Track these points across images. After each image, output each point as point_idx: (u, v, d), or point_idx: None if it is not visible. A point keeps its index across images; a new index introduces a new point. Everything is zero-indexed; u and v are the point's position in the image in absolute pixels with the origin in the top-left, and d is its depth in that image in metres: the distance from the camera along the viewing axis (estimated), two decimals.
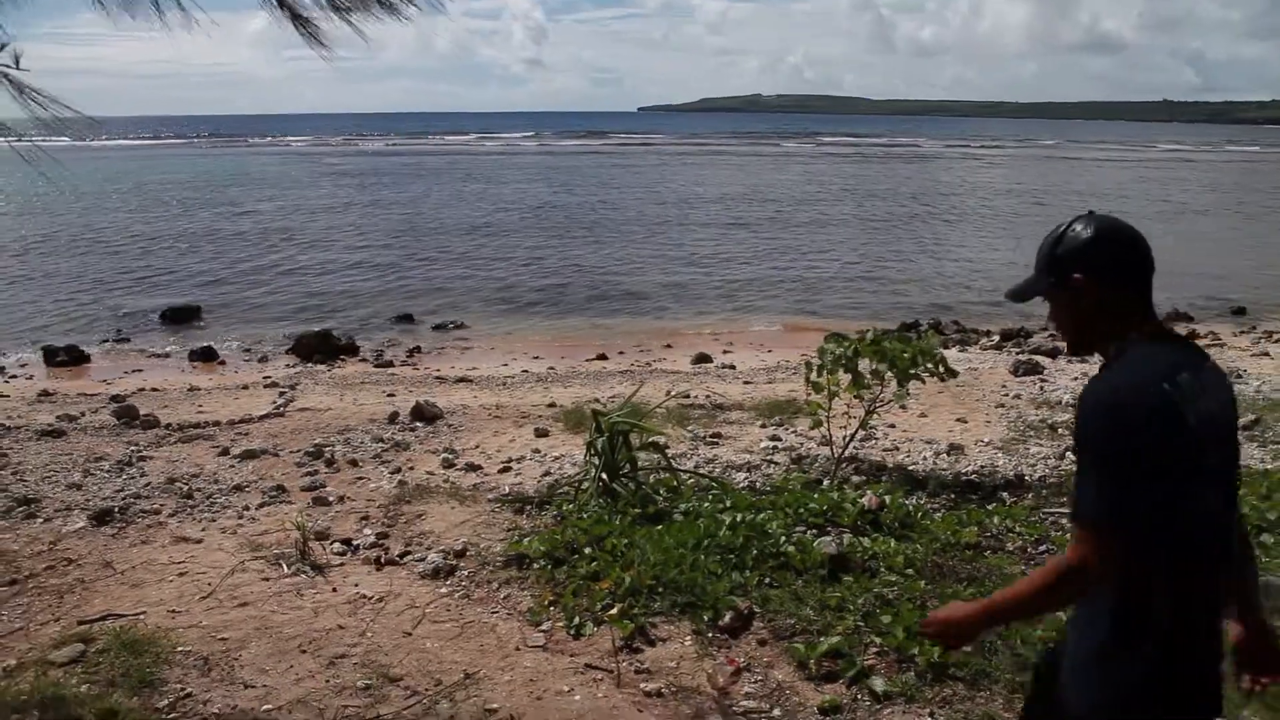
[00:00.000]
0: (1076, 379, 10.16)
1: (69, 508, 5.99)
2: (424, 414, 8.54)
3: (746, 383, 10.75)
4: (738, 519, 5.13)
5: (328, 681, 3.84)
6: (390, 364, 12.97)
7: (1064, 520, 5.60)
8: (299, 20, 3.89)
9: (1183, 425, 1.73)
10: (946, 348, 8.56)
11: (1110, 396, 1.80)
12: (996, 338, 14.22)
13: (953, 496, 6.21)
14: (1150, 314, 1.92)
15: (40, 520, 5.76)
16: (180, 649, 4.08)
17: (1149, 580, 1.78)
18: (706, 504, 5.54)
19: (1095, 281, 1.91)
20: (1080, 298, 1.94)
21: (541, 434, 8.01)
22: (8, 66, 3.36)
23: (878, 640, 4.01)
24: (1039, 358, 11.59)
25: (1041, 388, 9.72)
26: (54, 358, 13.13)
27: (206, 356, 13.44)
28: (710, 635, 4.18)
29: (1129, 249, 1.92)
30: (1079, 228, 1.96)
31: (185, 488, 6.44)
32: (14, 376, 12.28)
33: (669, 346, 14.08)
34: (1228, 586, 1.94)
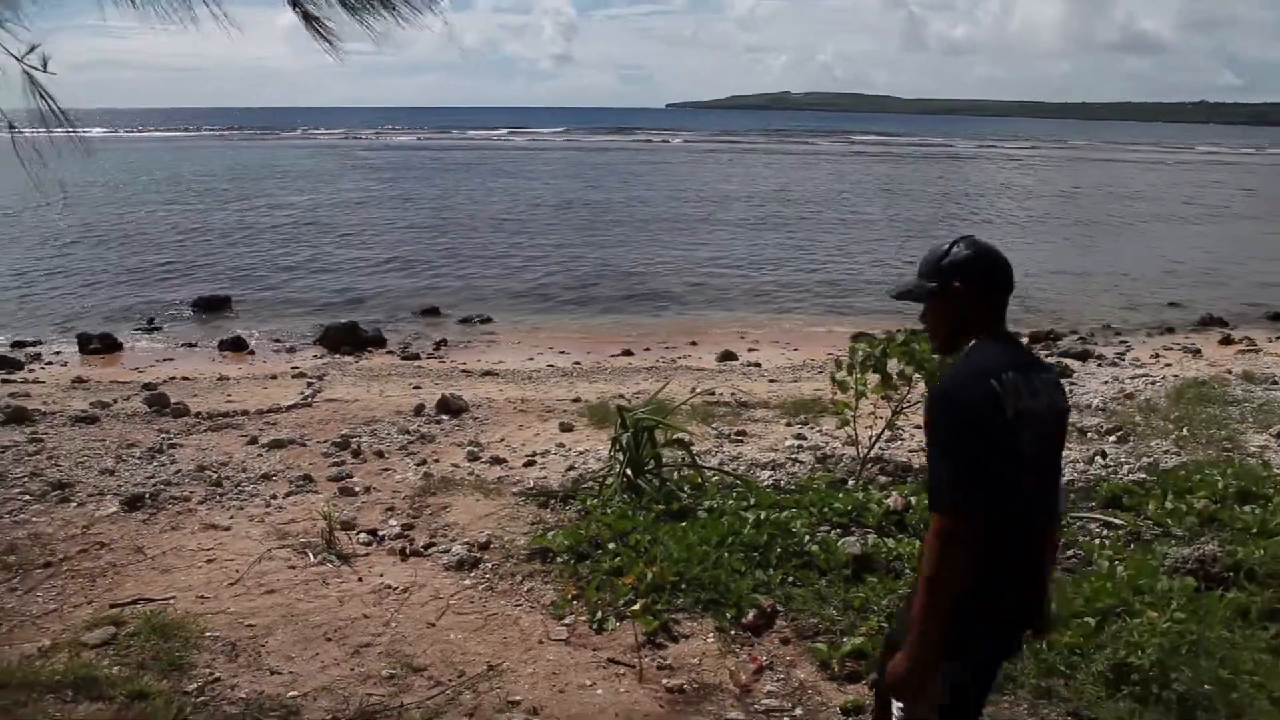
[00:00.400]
0: (1106, 383, 10.05)
1: (102, 493, 6.08)
2: (450, 407, 8.59)
3: (772, 381, 10.72)
4: (762, 517, 5.12)
5: (352, 670, 3.88)
6: (417, 356, 13.06)
7: (1093, 525, 5.55)
8: (310, 20, 3.91)
9: (1002, 416, 2.08)
10: None
11: (948, 389, 2.17)
12: (1025, 340, 14.06)
13: None
14: (1001, 323, 2.31)
15: (74, 505, 5.86)
16: (208, 634, 4.14)
17: (983, 547, 2.08)
18: (730, 501, 5.54)
19: (969, 290, 2.27)
20: (956, 303, 2.28)
21: (566, 429, 8.04)
22: (34, 68, 3.39)
23: None
24: (1069, 360, 11.47)
25: (1070, 391, 9.61)
26: (88, 345, 13.34)
27: (236, 346, 13.60)
28: (733, 633, 4.18)
29: (998, 268, 2.32)
30: (962, 246, 2.33)
31: (214, 475, 6.53)
32: (49, 363, 12.49)
33: (694, 343, 14.06)
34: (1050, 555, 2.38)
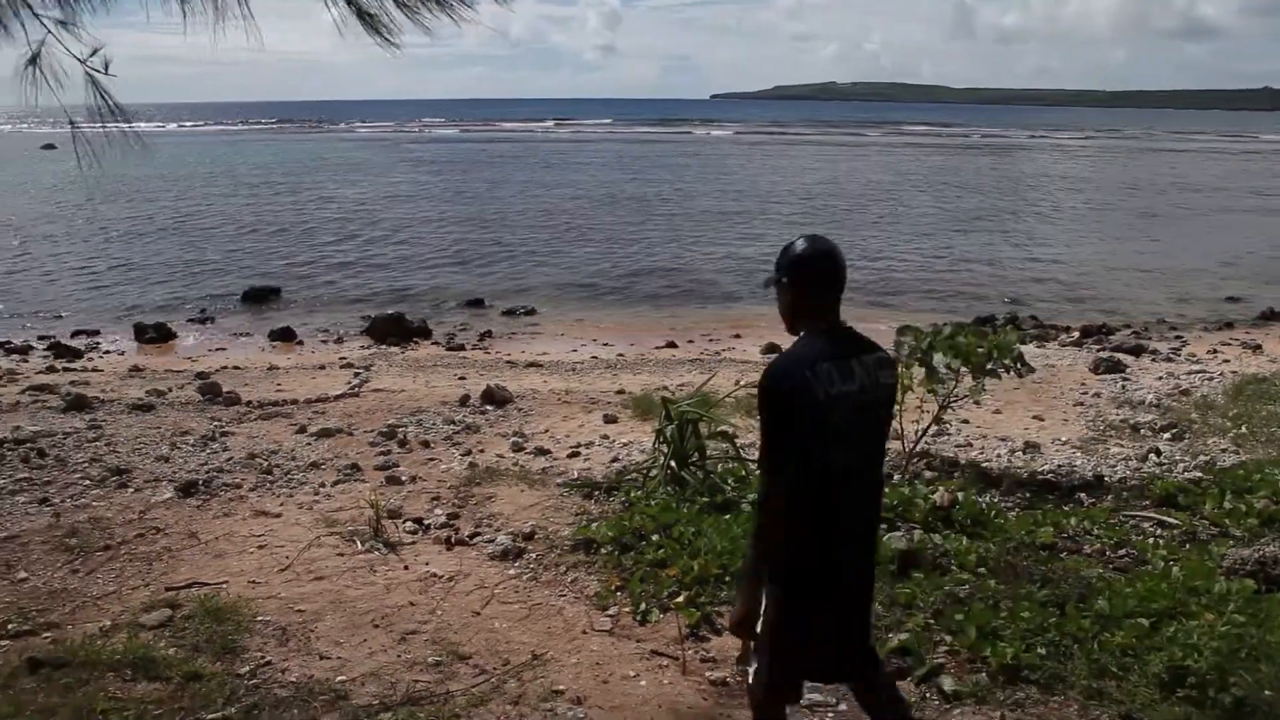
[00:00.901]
0: (1161, 379, 9.81)
1: (157, 479, 6.24)
2: (494, 397, 8.66)
3: None
4: None
5: (399, 656, 3.93)
6: (462, 347, 13.18)
7: (1146, 525, 5.43)
8: (365, 16, 3.96)
9: (813, 400, 2.41)
10: (1023, 343, 8.32)
11: (769, 374, 2.51)
12: (1076, 334, 13.78)
13: (1028, 496, 6.06)
14: (831, 314, 2.58)
15: (131, 490, 6.02)
16: (260, 618, 4.23)
17: (802, 511, 2.48)
18: None
19: (797, 285, 2.59)
20: (788, 295, 2.63)
21: (610, 420, 8.06)
22: (97, 70, 3.47)
23: (948, 639, 3.94)
24: (1121, 355, 11.20)
25: (1123, 387, 9.40)
26: (144, 335, 13.69)
27: (285, 336, 13.84)
28: None
29: (825, 264, 2.58)
30: (799, 244, 2.61)
31: (265, 463, 6.66)
32: (108, 352, 12.84)
33: (738, 336, 14.00)
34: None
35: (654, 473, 5.97)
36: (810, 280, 2.60)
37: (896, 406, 3.02)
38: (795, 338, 2.63)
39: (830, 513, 2.53)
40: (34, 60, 3.30)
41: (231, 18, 3.59)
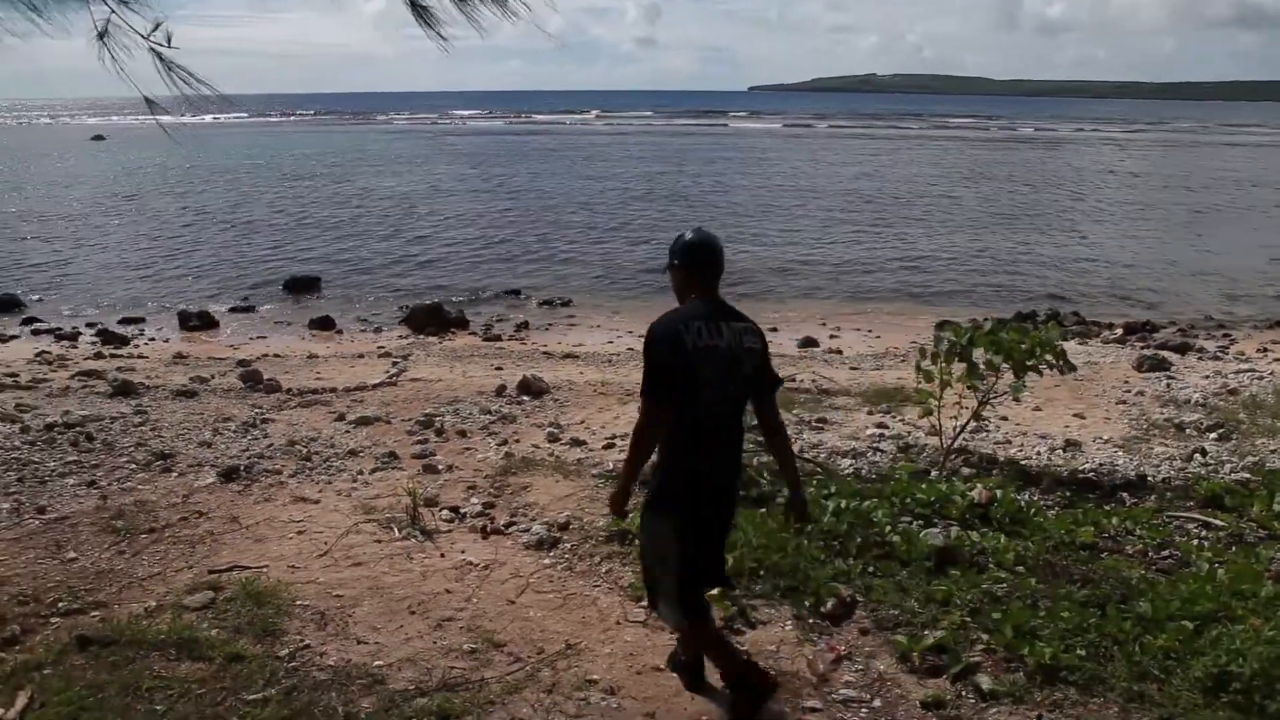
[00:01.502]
0: (1207, 377, 9.61)
1: (200, 464, 6.35)
2: (530, 388, 8.70)
3: (853, 368, 10.56)
4: (842, 505, 5.07)
5: (435, 643, 3.97)
6: (499, 338, 13.26)
7: (1191, 526, 5.34)
8: (419, 9, 3.98)
9: (682, 349, 3.08)
10: (1065, 340, 8.19)
11: (653, 326, 3.19)
12: (1119, 331, 13.54)
13: (1068, 494, 5.98)
14: (710, 290, 3.27)
15: (175, 475, 6.14)
16: (299, 603, 4.29)
17: (676, 441, 3.19)
18: (810, 489, 5.48)
19: (683, 268, 3.31)
20: (676, 275, 3.35)
21: None
22: (160, 45, 3.55)
23: (985, 637, 3.90)
24: (1166, 353, 10.98)
25: (1168, 385, 9.22)
26: (187, 322, 13.95)
27: (325, 325, 14.02)
28: (811, 621, 4.14)
29: (702, 252, 3.30)
30: (686, 235, 3.34)
31: (304, 450, 6.75)
32: (153, 339, 13.10)
33: (774, 329, 13.90)
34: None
35: None
36: (695, 264, 3.31)
37: (778, 371, 3.56)
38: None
39: (697, 437, 3.19)
40: (102, 36, 3.40)
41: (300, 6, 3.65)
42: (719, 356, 3.12)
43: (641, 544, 3.49)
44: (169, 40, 3.45)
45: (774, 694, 3.44)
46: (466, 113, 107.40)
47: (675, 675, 3.72)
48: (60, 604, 4.21)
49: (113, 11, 3.39)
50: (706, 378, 3.11)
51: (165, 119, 3.81)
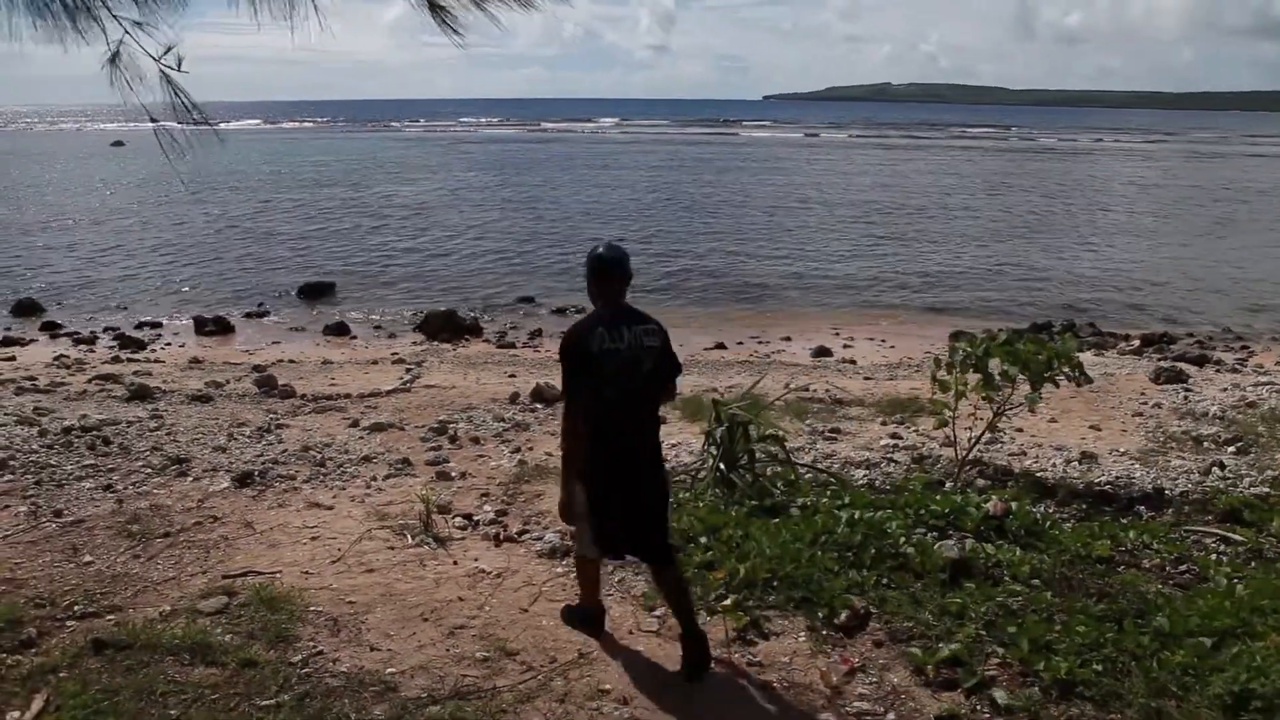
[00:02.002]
0: (1225, 390, 9.53)
1: (215, 469, 6.38)
2: (544, 396, 8.71)
3: (867, 378, 10.53)
4: (856, 516, 5.04)
5: (448, 650, 3.97)
6: (512, 345, 13.30)
7: (1209, 540, 5.29)
8: (436, 9, 4.00)
9: (589, 354, 3.53)
10: (1081, 351, 8.13)
11: (565, 334, 3.69)
12: (1136, 343, 13.46)
13: (1084, 507, 5.94)
14: (616, 297, 3.71)
15: (190, 479, 6.17)
16: (312, 608, 4.30)
17: (593, 428, 3.61)
18: (824, 500, 5.46)
19: (591, 277, 3.74)
20: (588, 285, 3.77)
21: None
22: (170, 68, 3.57)
23: (1000, 651, 3.87)
24: (1184, 365, 10.91)
25: (1185, 397, 9.15)
26: (203, 327, 14.05)
27: (339, 331, 14.09)
28: (825, 633, 4.12)
29: (605, 264, 3.71)
30: (599, 249, 3.74)
31: (318, 456, 6.77)
32: (169, 344, 13.19)
33: (788, 338, 13.92)
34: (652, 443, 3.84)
35: (703, 475, 5.95)
36: (599, 276, 3.73)
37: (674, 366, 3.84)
38: None
39: (610, 428, 3.64)
40: (114, 59, 3.43)
41: (300, 17, 3.67)
42: (620, 358, 3.59)
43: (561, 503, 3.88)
44: (179, 64, 3.47)
45: (599, 633, 4.12)
46: (480, 120, 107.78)
47: (689, 687, 3.70)
48: (76, 607, 4.23)
49: (126, 33, 3.41)
50: (610, 376, 3.57)
51: (176, 127, 3.83)
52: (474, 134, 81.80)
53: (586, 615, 4.14)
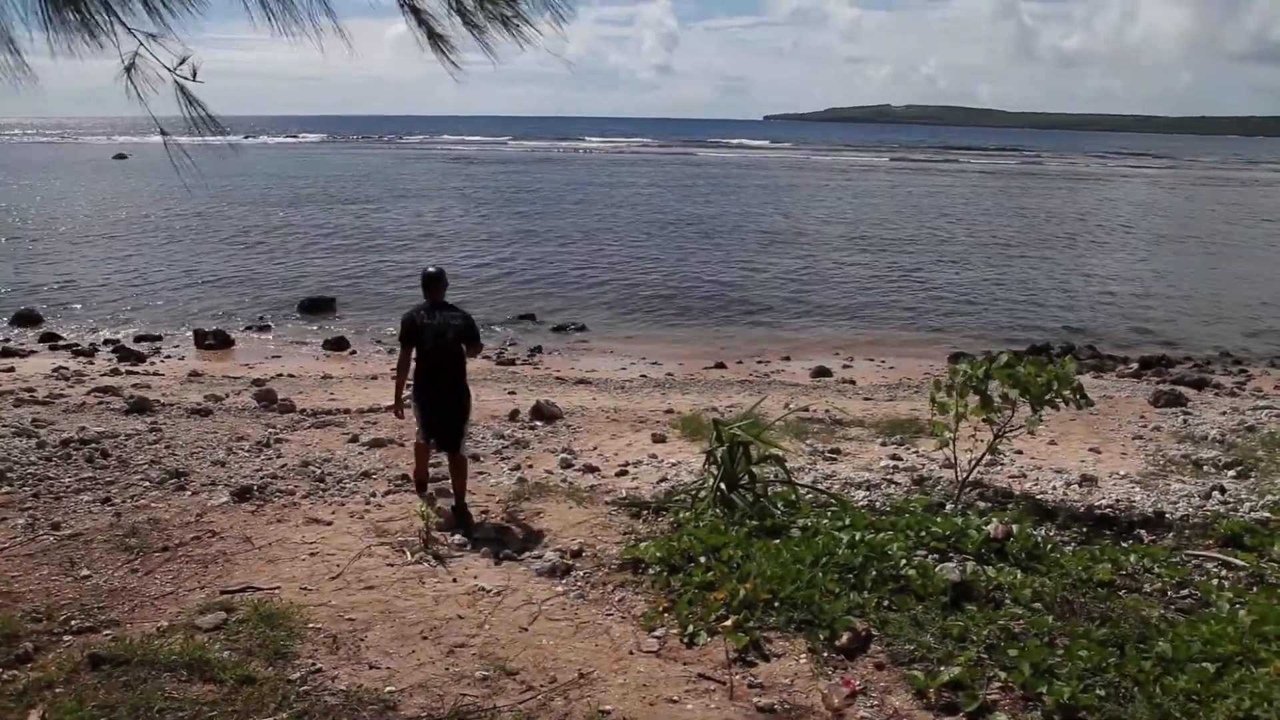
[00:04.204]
0: (1225, 413, 9.54)
1: (214, 483, 6.37)
2: (544, 413, 8.71)
3: (867, 399, 10.53)
4: (857, 538, 5.03)
5: (447, 669, 3.95)
6: (512, 362, 13.29)
7: (1210, 565, 5.28)
8: (434, 37, 4.03)
9: (414, 325, 5.99)
10: (1080, 374, 8.13)
11: (404, 315, 6.14)
12: (1135, 366, 13.47)
13: (1084, 530, 5.93)
14: (434, 296, 6.13)
15: (189, 493, 6.15)
16: (311, 625, 4.28)
17: (417, 375, 6.01)
18: (825, 521, 5.45)
19: (422, 285, 6.23)
20: (422, 288, 6.25)
21: (659, 440, 8.05)
22: (184, 78, 3.58)
23: (1002, 675, 3.85)
24: (1183, 389, 10.92)
25: (1185, 421, 9.16)
26: (203, 341, 14.03)
27: (339, 346, 14.08)
28: (826, 654, 4.10)
29: (427, 278, 6.20)
30: (429, 268, 6.32)
31: (318, 471, 6.76)
32: (169, 357, 13.17)
33: (787, 358, 13.93)
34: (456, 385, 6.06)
35: (703, 494, 5.94)
36: (426, 283, 6.17)
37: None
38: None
39: (428, 367, 5.94)
40: (129, 70, 3.44)
41: (315, 32, 3.69)
42: (431, 329, 5.96)
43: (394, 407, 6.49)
44: (194, 74, 3.49)
45: (421, 493, 6.38)
46: (485, 138, 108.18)
47: (689, 708, 3.68)
48: (73, 622, 4.21)
49: (140, 44, 3.43)
50: (426, 338, 5.95)
51: (187, 140, 3.84)
52: (476, 151, 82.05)
53: (418, 482, 6.48)
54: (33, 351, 13.28)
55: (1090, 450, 8.07)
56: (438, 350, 5.86)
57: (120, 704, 3.49)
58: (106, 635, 4.10)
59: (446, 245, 24.99)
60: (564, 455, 7.42)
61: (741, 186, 47.20)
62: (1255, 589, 4.88)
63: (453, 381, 5.93)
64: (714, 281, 20.43)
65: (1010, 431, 6.43)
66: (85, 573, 4.79)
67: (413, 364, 6.03)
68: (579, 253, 24.12)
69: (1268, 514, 6.16)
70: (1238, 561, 5.26)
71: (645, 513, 5.94)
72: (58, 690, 3.58)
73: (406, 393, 6.14)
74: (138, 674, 3.70)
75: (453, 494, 5.96)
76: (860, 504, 6.24)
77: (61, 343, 13.86)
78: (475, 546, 5.42)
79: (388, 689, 3.76)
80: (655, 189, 44.64)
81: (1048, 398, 6.04)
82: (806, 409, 9.41)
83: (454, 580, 4.91)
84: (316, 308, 16.90)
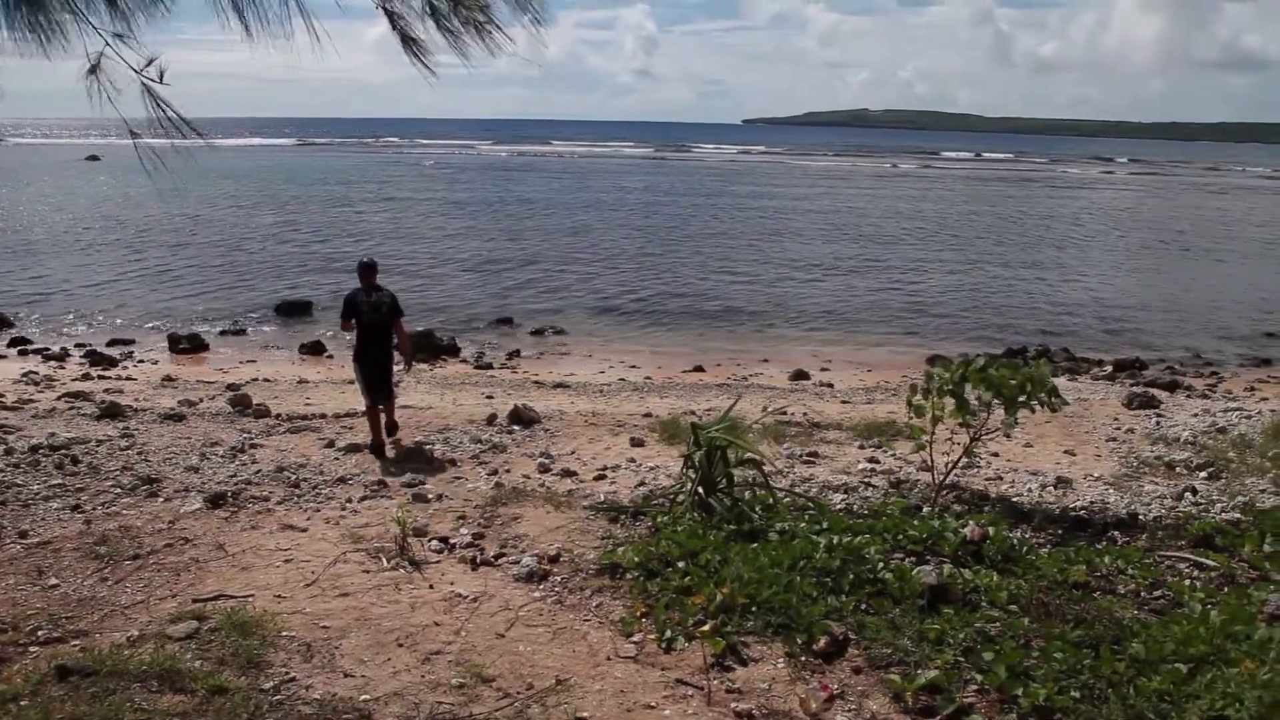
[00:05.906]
0: (1196, 415, 9.65)
1: (187, 489, 6.29)
2: (521, 417, 8.67)
3: (844, 402, 10.57)
4: (834, 541, 5.04)
5: (423, 677, 3.92)
6: (490, 366, 13.23)
7: (1183, 566, 5.33)
8: (409, 41, 4.02)
9: (355, 303, 7.75)
10: (1055, 376, 8.21)
11: (346, 294, 7.93)
12: (1109, 368, 13.61)
13: (1059, 532, 5.97)
14: (368, 279, 7.82)
15: (161, 499, 6.08)
16: (285, 634, 4.23)
17: (357, 342, 7.88)
18: (802, 524, 5.46)
19: (358, 271, 7.97)
20: (358, 274, 7.96)
21: (637, 443, 8.04)
22: (152, 80, 3.54)
23: (978, 677, 3.86)
24: (1155, 391, 11.04)
25: (1158, 423, 9.25)
26: (177, 345, 13.88)
27: (315, 350, 13.96)
28: (803, 659, 4.10)
29: (362, 266, 7.94)
30: (363, 258, 8.11)
31: (293, 477, 6.70)
32: (141, 361, 13.01)
33: (766, 361, 13.96)
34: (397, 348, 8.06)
35: (681, 498, 5.93)
36: (361, 270, 7.83)
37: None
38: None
39: (367, 338, 7.72)
40: (94, 70, 3.39)
41: (291, 33, 3.66)
42: (368, 305, 7.61)
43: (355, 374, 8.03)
44: (161, 76, 3.44)
45: (379, 456, 7.46)
46: (463, 141, 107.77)
47: (667, 714, 3.67)
48: (40, 632, 4.14)
49: (106, 44, 3.38)
50: (365, 313, 7.61)
51: (157, 142, 3.79)
52: (454, 154, 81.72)
53: (374, 447, 7.53)
54: (2, 356, 13.07)
55: (1065, 452, 8.14)
56: (373, 322, 7.66)
57: (88, 716, 3.43)
58: (75, 646, 4.04)
59: (423, 248, 24.85)
60: (542, 459, 7.40)
61: (721, 191, 47.31)
62: (1226, 589, 4.93)
63: (384, 344, 7.77)
64: (692, 285, 20.45)
65: (986, 434, 6.48)
66: (53, 582, 4.72)
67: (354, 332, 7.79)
68: (557, 256, 24.08)
69: (1238, 515, 6.23)
70: (1209, 562, 5.32)
71: (623, 517, 5.92)
72: (23, 703, 3.52)
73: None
74: (106, 685, 3.63)
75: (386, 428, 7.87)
76: (838, 507, 6.26)
77: (32, 347, 13.65)
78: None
79: (363, 698, 3.72)
80: (634, 192, 44.65)
81: (1022, 400, 6.08)
82: (784, 412, 9.43)
83: (430, 586, 4.87)
84: (293, 311, 16.76)
